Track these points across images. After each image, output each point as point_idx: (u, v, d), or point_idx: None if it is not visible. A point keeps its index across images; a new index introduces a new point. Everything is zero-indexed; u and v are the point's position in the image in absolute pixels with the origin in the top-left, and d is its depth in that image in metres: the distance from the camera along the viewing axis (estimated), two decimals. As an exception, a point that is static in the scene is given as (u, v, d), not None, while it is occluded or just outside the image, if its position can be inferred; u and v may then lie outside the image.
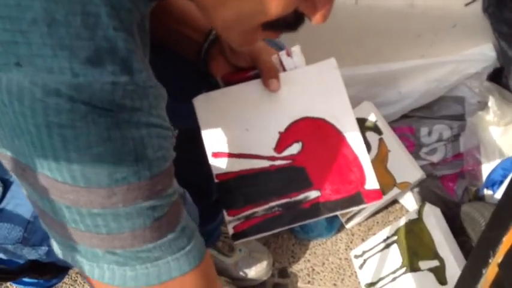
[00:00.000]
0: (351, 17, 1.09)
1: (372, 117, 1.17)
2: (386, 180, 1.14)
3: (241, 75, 0.64)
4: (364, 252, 1.11)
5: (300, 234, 1.16)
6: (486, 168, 1.10)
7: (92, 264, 0.42)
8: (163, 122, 0.43)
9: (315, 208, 0.59)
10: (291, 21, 0.48)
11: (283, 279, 1.11)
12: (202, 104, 0.63)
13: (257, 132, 0.62)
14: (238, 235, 0.59)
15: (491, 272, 0.63)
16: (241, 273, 1.08)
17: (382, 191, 1.16)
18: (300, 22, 0.49)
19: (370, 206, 1.16)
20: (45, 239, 0.60)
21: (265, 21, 0.45)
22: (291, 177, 0.60)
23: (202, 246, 0.46)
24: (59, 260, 0.62)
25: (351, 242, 1.17)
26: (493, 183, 1.04)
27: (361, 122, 1.18)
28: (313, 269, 1.14)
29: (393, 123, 1.22)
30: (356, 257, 1.12)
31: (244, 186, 0.61)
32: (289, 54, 0.63)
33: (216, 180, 0.61)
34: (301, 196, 0.60)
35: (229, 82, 0.64)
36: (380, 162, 1.15)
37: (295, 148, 0.61)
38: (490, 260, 0.63)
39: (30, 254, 0.62)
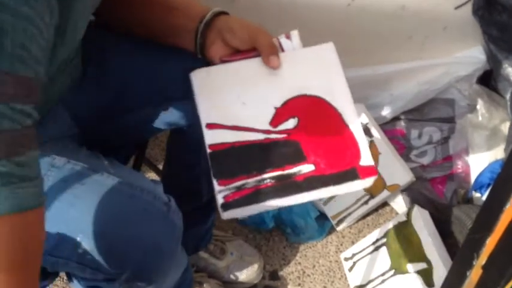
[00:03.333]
0: (343, 19, 1.10)
1: (362, 120, 1.18)
2: (377, 182, 1.14)
3: (240, 56, 0.64)
4: (353, 255, 1.11)
5: (291, 236, 1.16)
6: (475, 171, 1.11)
7: None
8: (37, 18, 0.39)
9: (309, 181, 0.58)
10: None
11: (273, 282, 1.11)
12: (200, 77, 0.64)
13: (253, 106, 0.62)
14: (227, 205, 0.58)
15: (475, 274, 0.64)
16: (232, 276, 1.08)
17: (372, 193, 1.17)
18: None
19: (361, 208, 1.16)
20: None
21: None
22: (285, 150, 0.60)
23: (32, 201, 0.41)
24: (47, 266, 0.62)
25: (341, 245, 1.17)
26: (481, 186, 1.05)
27: (352, 125, 1.19)
28: (304, 272, 1.14)
29: (384, 126, 1.22)
30: (346, 259, 1.12)
31: (237, 157, 0.60)
32: (288, 37, 0.64)
33: (208, 151, 0.60)
34: (294, 169, 0.59)
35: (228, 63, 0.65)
36: (371, 165, 1.15)
37: (290, 123, 0.61)
38: (474, 262, 0.63)
39: None
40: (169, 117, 0.75)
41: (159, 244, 0.59)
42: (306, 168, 0.59)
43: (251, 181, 0.59)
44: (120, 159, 0.70)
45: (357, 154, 0.59)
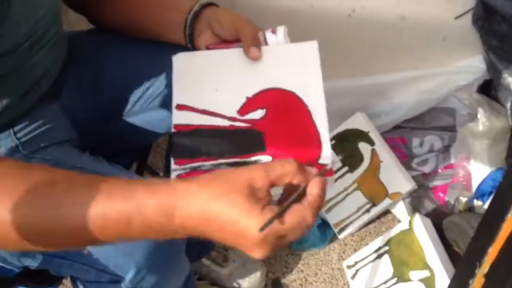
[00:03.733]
0: (345, 29, 1.11)
1: (364, 128, 1.19)
2: (379, 190, 1.15)
3: (225, 45, 0.66)
4: (356, 263, 1.12)
5: (293, 244, 1.16)
6: (476, 179, 1.12)
7: None
8: None
9: None
10: None
11: (276, 290, 1.12)
12: (181, 60, 0.65)
13: (225, 93, 0.63)
14: None
15: (477, 282, 0.64)
16: (234, 284, 1.08)
17: (373, 201, 1.17)
18: None
19: (363, 216, 1.17)
20: None
21: None
22: (247, 139, 0.60)
23: None
24: (52, 268, 0.63)
25: (344, 252, 1.18)
26: (482, 194, 1.06)
27: (354, 133, 1.19)
28: (306, 280, 1.14)
29: (385, 134, 1.23)
30: (348, 267, 1.13)
31: (198, 140, 0.60)
32: (274, 32, 0.65)
33: (173, 130, 0.61)
34: (252, 159, 0.59)
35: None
36: (372, 173, 1.16)
37: (258, 114, 0.62)
38: (477, 271, 0.64)
39: (26, 261, 0.62)
40: (167, 121, 0.76)
41: (163, 247, 0.60)
42: (264, 158, 0.59)
43: (207, 164, 0.59)
44: (122, 166, 0.71)
45: (317, 152, 0.59)
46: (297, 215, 0.41)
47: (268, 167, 0.43)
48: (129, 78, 0.73)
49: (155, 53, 0.71)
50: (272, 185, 0.43)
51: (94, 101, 0.74)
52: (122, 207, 0.41)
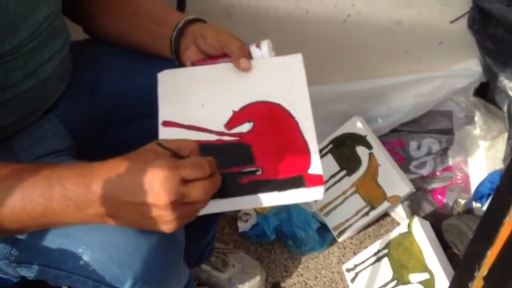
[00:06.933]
0: (341, 34, 1.12)
1: (361, 132, 1.19)
2: (377, 194, 1.16)
3: (210, 61, 0.66)
4: (355, 266, 1.12)
5: (292, 248, 1.17)
6: (474, 181, 1.12)
7: None
8: None
9: (253, 184, 0.57)
10: None
11: (276, 294, 1.12)
12: (166, 78, 0.65)
13: (212, 108, 0.63)
14: None
15: (476, 285, 0.64)
16: (234, 288, 1.08)
17: (372, 204, 1.18)
18: None
19: (362, 219, 1.17)
20: (36, 257, 0.61)
21: None
22: (235, 153, 0.60)
23: None
24: (49, 279, 0.63)
25: (343, 256, 1.18)
26: (481, 196, 1.06)
27: (351, 137, 1.20)
28: (306, 283, 1.14)
29: (383, 138, 1.23)
30: (348, 270, 1.13)
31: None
32: (258, 46, 0.65)
33: None
34: (241, 171, 0.58)
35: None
36: (370, 177, 1.17)
37: (245, 127, 0.62)
38: (476, 274, 0.64)
39: (22, 271, 0.62)
40: None
41: (160, 256, 0.60)
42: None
43: None
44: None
45: (306, 162, 0.58)
46: (194, 159, 0.49)
47: (172, 140, 0.51)
48: (125, 87, 0.73)
49: (152, 63, 0.71)
50: (173, 153, 0.50)
51: (91, 110, 0.74)
52: (46, 181, 0.48)
